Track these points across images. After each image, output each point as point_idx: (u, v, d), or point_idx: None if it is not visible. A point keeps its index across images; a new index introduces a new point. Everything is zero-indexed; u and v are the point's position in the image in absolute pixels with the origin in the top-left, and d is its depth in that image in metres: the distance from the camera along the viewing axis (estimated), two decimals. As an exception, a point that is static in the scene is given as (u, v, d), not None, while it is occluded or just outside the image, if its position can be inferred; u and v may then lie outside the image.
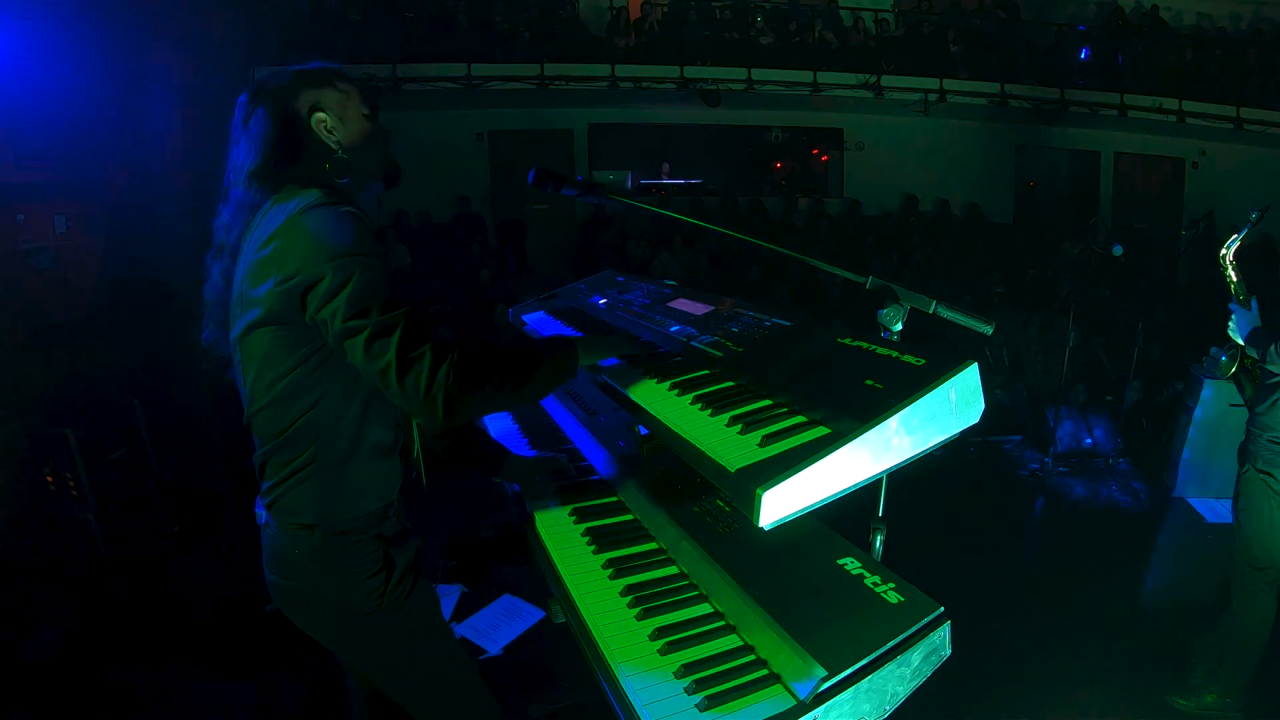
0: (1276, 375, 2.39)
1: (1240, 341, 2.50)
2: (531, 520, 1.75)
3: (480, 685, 1.63)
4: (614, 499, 1.79)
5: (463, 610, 3.13)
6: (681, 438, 1.21)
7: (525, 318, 2.38)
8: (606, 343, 1.55)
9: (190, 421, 4.30)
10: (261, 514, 1.45)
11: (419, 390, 1.20)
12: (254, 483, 1.46)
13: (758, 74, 9.87)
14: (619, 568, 1.50)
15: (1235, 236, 2.57)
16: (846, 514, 1.22)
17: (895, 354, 1.19)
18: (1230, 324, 2.52)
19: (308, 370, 1.33)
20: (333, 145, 1.43)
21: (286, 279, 1.26)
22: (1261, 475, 2.43)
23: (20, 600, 3.29)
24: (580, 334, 1.73)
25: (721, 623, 1.31)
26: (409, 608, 1.45)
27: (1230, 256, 2.56)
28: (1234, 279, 2.55)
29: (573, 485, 1.87)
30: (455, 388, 1.22)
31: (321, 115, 1.43)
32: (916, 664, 1.15)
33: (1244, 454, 2.52)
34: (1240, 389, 2.61)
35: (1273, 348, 2.33)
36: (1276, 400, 2.39)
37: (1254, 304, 2.49)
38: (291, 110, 1.41)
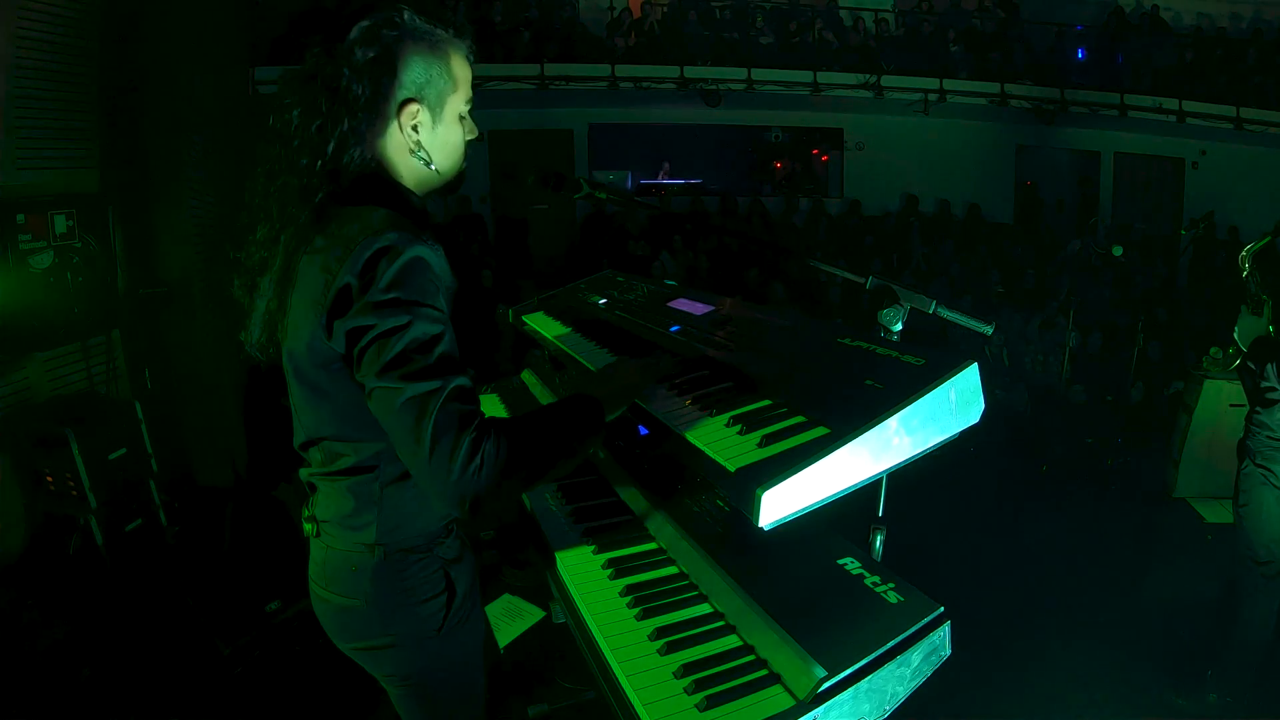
0: (1275, 389, 2.39)
1: (1243, 347, 2.50)
2: (531, 519, 1.75)
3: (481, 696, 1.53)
4: (614, 499, 1.79)
5: (463, 610, 3.12)
6: (682, 437, 1.21)
7: (525, 318, 2.39)
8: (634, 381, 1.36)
9: (191, 421, 4.30)
10: (313, 528, 1.34)
11: (449, 479, 1.01)
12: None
13: (758, 74, 9.87)
14: (619, 568, 1.50)
15: (1259, 241, 2.56)
16: (847, 514, 1.22)
17: (895, 354, 1.20)
18: (1238, 324, 2.52)
19: (364, 404, 1.15)
20: (422, 156, 1.22)
21: (334, 318, 1.11)
22: (1261, 470, 2.44)
23: (20, 601, 3.28)
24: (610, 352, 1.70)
25: (721, 623, 1.30)
26: (465, 632, 1.37)
27: (1250, 257, 2.55)
28: (1252, 281, 2.53)
29: (571, 485, 1.87)
30: (490, 483, 1.02)
31: (415, 107, 1.18)
32: (916, 664, 1.15)
33: (1243, 450, 2.53)
34: (1243, 381, 2.61)
35: (1271, 368, 2.35)
36: (1275, 404, 2.40)
37: (1266, 310, 2.46)
38: (390, 79, 1.15)
